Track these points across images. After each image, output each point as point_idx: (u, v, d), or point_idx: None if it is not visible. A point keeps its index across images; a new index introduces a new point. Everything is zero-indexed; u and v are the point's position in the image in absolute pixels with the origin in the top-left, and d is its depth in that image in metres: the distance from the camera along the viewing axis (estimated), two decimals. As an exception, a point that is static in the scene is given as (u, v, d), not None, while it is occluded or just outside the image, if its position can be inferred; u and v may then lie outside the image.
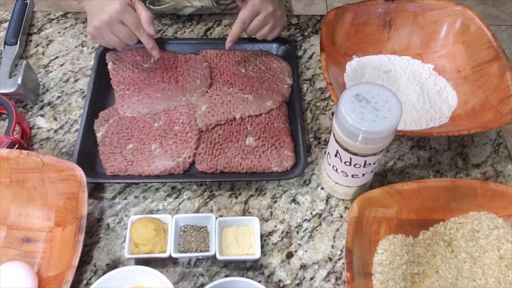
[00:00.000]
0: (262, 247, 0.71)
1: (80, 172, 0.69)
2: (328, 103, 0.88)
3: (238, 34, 0.84)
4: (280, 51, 0.93)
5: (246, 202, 0.76)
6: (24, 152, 0.70)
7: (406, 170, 0.80)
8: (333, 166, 0.70)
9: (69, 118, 0.85)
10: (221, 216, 0.74)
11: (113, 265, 0.70)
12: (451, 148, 0.83)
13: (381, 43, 0.91)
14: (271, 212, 0.75)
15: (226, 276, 0.69)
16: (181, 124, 0.81)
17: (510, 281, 0.66)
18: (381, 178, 0.79)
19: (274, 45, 0.93)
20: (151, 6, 0.96)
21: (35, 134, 0.83)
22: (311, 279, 0.69)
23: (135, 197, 0.76)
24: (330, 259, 0.71)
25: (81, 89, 0.89)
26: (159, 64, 0.89)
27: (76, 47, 0.95)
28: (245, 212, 0.75)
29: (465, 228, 0.70)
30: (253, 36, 0.89)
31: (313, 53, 0.95)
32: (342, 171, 0.70)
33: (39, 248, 0.70)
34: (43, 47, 0.95)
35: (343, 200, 0.77)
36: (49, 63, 0.92)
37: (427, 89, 0.86)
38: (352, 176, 0.70)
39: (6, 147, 0.75)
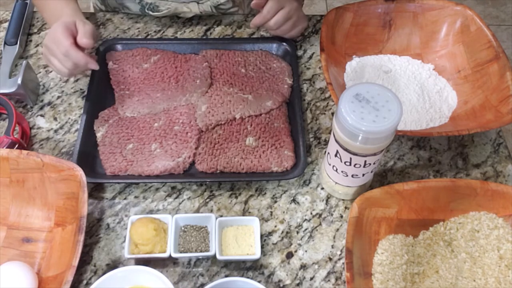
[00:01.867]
0: (262, 247, 0.71)
1: (80, 172, 0.69)
2: (328, 103, 0.88)
3: (262, 20, 0.87)
4: (280, 51, 0.93)
5: (246, 202, 0.76)
6: (24, 152, 0.70)
7: (406, 170, 0.80)
8: (333, 166, 0.70)
9: (69, 118, 0.85)
10: (221, 216, 0.74)
11: (113, 265, 0.70)
12: (451, 148, 0.83)
13: (381, 43, 0.91)
14: (271, 212, 0.75)
15: (226, 276, 0.69)
16: (181, 124, 0.81)
17: (510, 281, 0.66)
18: (381, 178, 0.79)
19: (274, 45, 0.93)
20: (150, 12, 0.96)
21: (35, 134, 0.83)
22: (311, 279, 0.69)
23: (135, 197, 0.76)
24: (330, 259, 0.71)
25: (81, 89, 0.89)
26: (159, 64, 0.89)
27: (76, 47, 0.94)
28: (245, 212, 0.75)
29: (465, 228, 0.70)
30: (273, 33, 0.91)
31: (313, 53, 0.95)
32: (342, 171, 0.70)
33: (39, 248, 0.70)
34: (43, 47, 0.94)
35: (343, 200, 0.77)
36: (49, 63, 0.92)
37: (427, 89, 0.86)
38: (352, 176, 0.70)
39: (6, 147, 0.75)
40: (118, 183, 0.77)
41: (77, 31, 0.79)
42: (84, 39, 0.78)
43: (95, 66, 0.81)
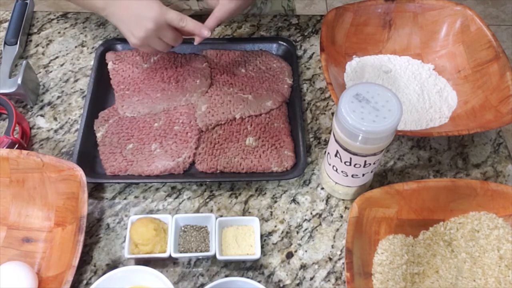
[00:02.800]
0: (262, 247, 0.71)
1: (80, 172, 0.69)
2: (328, 103, 0.88)
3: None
4: (280, 51, 0.93)
5: (246, 202, 0.76)
6: (24, 152, 0.70)
7: (406, 170, 0.80)
8: (333, 166, 0.70)
9: (69, 118, 0.85)
10: (221, 216, 0.74)
11: (113, 265, 0.70)
12: (451, 148, 0.83)
13: (381, 43, 0.91)
14: (271, 212, 0.75)
15: (226, 276, 0.69)
16: (181, 124, 0.81)
17: (510, 281, 0.66)
18: (381, 178, 0.79)
19: (274, 45, 0.93)
20: None
21: (35, 134, 0.83)
22: (311, 279, 0.69)
23: (135, 197, 0.76)
24: (330, 259, 0.71)
25: (81, 89, 0.89)
26: (159, 64, 0.89)
27: (76, 47, 0.95)
28: (245, 212, 0.75)
29: (465, 228, 0.70)
30: None
31: (313, 53, 0.95)
32: (342, 171, 0.70)
33: (39, 248, 0.70)
34: (43, 47, 0.95)
35: (343, 200, 0.77)
36: (49, 63, 0.92)
37: (427, 89, 0.86)
38: (352, 176, 0.70)
39: (6, 147, 0.75)
40: (118, 183, 0.77)
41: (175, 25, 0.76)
42: (205, 30, 0.77)
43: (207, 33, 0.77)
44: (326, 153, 0.72)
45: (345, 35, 0.89)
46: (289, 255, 0.71)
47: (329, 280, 0.69)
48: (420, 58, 0.91)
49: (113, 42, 0.92)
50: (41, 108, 0.86)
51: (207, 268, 0.70)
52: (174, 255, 0.68)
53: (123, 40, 0.92)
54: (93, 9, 0.84)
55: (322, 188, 0.78)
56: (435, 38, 0.90)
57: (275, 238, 0.73)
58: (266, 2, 1.06)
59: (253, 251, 0.69)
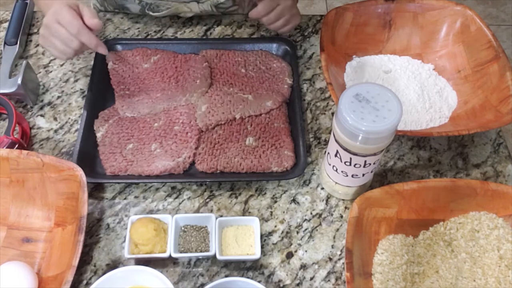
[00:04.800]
0: (262, 247, 0.71)
1: (80, 172, 0.69)
2: (328, 103, 0.88)
3: (256, 16, 0.88)
4: (280, 51, 0.93)
5: (246, 202, 0.76)
6: (24, 152, 0.70)
7: (406, 170, 0.80)
8: (333, 166, 0.70)
9: (69, 118, 0.85)
10: (221, 216, 0.74)
11: (113, 265, 0.70)
12: (451, 148, 0.83)
13: (381, 43, 0.91)
14: (271, 212, 0.75)
15: (226, 276, 0.69)
16: (181, 124, 0.81)
17: (510, 281, 0.66)
18: (381, 178, 0.79)
19: (274, 45, 0.93)
20: (150, 13, 0.96)
21: (35, 134, 0.83)
22: (311, 279, 0.69)
23: (135, 197, 0.76)
24: (330, 259, 0.71)
25: (81, 89, 0.89)
26: (159, 64, 0.89)
27: (76, 47, 0.94)
28: (245, 212, 0.75)
29: (465, 228, 0.70)
30: (267, 27, 0.92)
31: (313, 53, 0.95)
32: (342, 171, 0.70)
33: (39, 248, 0.70)
34: (43, 47, 0.94)
35: (343, 200, 0.77)
36: (49, 63, 0.92)
37: (427, 89, 0.86)
38: (352, 176, 0.70)
39: (6, 147, 0.75)
40: (118, 183, 0.77)
41: (80, 13, 0.77)
42: (95, 19, 0.76)
43: (104, 51, 0.80)
44: (326, 153, 0.72)
45: (345, 35, 0.89)
46: (289, 255, 0.71)
47: (329, 280, 0.69)
48: (420, 58, 0.91)
49: (113, 42, 0.92)
50: (41, 108, 0.86)
51: (207, 268, 0.70)
52: (174, 255, 0.68)
53: (123, 40, 0.93)
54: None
55: (322, 188, 0.78)
56: (435, 38, 0.90)
57: (275, 238, 0.73)
58: None
59: (253, 251, 0.69)
